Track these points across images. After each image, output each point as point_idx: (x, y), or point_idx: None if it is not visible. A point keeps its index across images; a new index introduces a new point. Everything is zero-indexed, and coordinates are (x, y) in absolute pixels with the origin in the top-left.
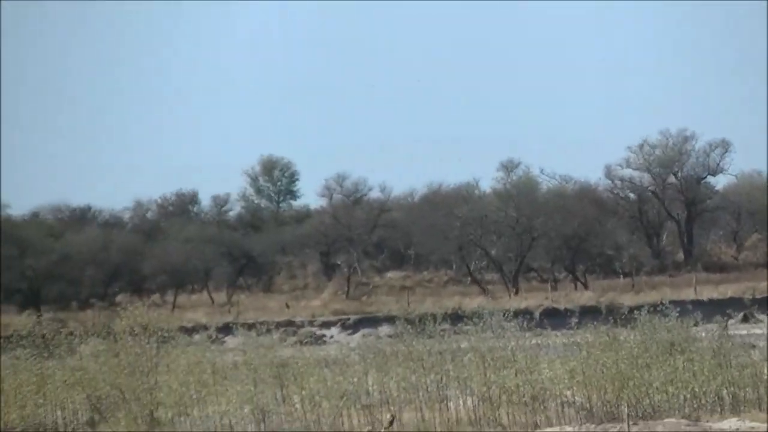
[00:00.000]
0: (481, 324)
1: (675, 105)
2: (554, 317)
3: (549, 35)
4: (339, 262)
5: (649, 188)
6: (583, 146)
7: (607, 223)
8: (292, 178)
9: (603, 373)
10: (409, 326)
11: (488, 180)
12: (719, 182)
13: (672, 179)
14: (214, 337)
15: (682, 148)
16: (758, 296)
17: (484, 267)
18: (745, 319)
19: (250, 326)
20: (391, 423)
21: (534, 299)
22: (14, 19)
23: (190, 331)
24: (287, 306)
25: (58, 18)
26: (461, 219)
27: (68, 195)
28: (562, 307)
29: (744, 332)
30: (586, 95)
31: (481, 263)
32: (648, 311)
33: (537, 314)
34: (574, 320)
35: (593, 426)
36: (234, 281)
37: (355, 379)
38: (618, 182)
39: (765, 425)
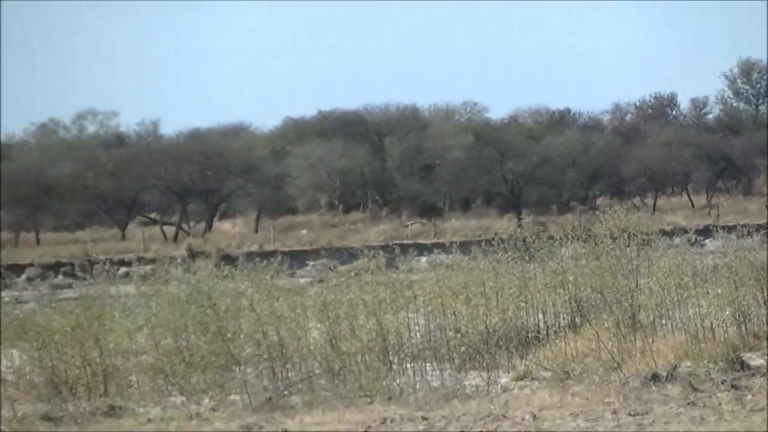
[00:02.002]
0: None
1: None
2: None
3: None
4: None
5: None
6: None
7: None
8: None
9: None
10: None
11: None
12: None
13: None
14: (693, 239)
15: None
16: None
17: None
18: None
19: (730, 229)
20: None
21: None
22: None
23: (669, 233)
24: (767, 209)
25: None
26: None
27: (547, 98)
28: None
29: None
30: None
31: None
32: None
33: None
34: None
35: None
36: (713, 184)
37: None
38: None
39: None
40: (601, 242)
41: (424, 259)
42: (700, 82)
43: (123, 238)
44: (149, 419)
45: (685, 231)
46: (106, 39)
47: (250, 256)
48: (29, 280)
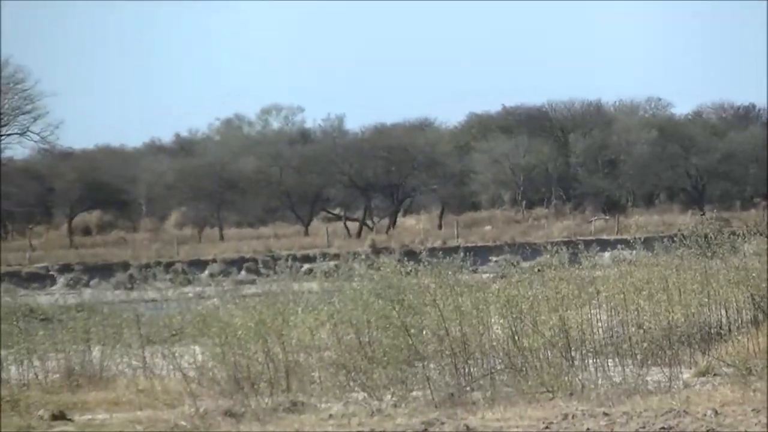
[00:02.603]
0: None
1: None
2: None
3: None
4: None
5: None
6: None
7: None
8: None
9: None
10: None
11: None
12: None
13: None
14: None
15: None
16: None
17: None
18: None
19: None
20: None
21: None
22: None
23: None
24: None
25: None
26: None
27: (731, 94)
28: None
29: None
30: None
31: None
32: None
33: None
34: None
35: None
36: None
37: None
38: None
39: None
40: None
41: (606, 255)
42: None
43: (306, 233)
44: (331, 415)
45: None
46: (293, 35)
47: (433, 251)
48: (212, 275)
